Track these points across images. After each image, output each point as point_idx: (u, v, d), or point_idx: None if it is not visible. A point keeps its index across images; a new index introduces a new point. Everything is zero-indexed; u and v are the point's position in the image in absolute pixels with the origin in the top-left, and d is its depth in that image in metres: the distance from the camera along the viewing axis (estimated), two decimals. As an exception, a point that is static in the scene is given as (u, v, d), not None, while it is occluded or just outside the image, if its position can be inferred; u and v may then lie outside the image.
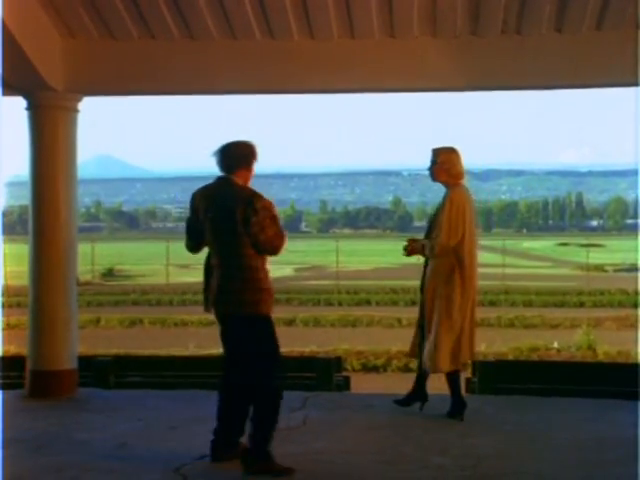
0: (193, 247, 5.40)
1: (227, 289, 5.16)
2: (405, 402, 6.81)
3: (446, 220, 6.45)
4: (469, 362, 7.05)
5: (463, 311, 6.53)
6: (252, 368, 5.22)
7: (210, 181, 5.35)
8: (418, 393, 6.80)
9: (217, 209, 5.14)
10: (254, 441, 5.17)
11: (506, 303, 30.09)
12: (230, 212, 5.06)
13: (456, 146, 6.79)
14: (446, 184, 6.65)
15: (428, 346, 6.53)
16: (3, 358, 8.85)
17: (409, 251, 6.76)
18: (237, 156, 5.23)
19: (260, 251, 5.12)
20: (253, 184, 5.31)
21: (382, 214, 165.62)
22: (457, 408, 6.61)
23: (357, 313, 28.81)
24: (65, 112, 7.70)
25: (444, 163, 6.60)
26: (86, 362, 8.44)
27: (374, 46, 7.30)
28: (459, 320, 6.49)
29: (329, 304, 31.83)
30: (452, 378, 6.65)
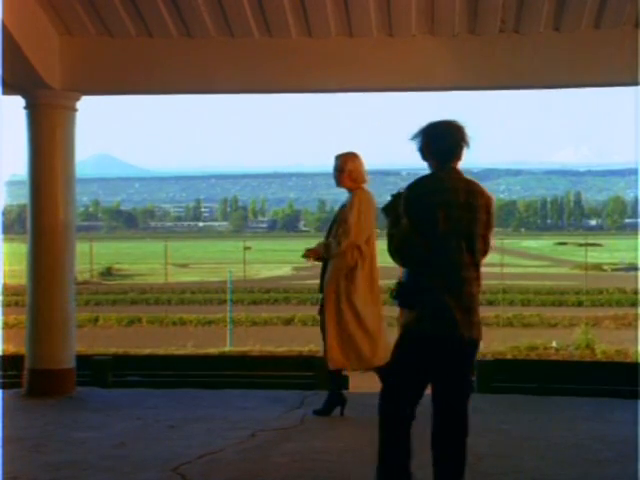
0: (418, 256, 4.11)
1: (472, 307, 4.12)
2: (326, 410, 6.67)
3: (355, 218, 6.51)
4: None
5: (374, 310, 6.59)
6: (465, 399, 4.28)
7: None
8: (336, 396, 6.72)
9: (463, 209, 4.11)
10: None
11: (504, 302, 30.06)
12: (476, 212, 4.14)
13: (357, 151, 6.83)
14: (350, 189, 6.71)
15: (330, 340, 6.54)
16: (2, 357, 8.86)
17: (310, 254, 6.76)
18: (466, 141, 4.24)
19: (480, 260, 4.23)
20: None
21: (380, 213, 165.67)
22: (333, 403, 6.64)
23: (355, 312, 28.78)
24: (63, 111, 7.69)
25: (352, 172, 6.68)
26: (84, 361, 8.44)
27: (372, 45, 7.30)
28: (369, 319, 6.52)
29: (328, 303, 31.70)
30: (331, 374, 6.67)
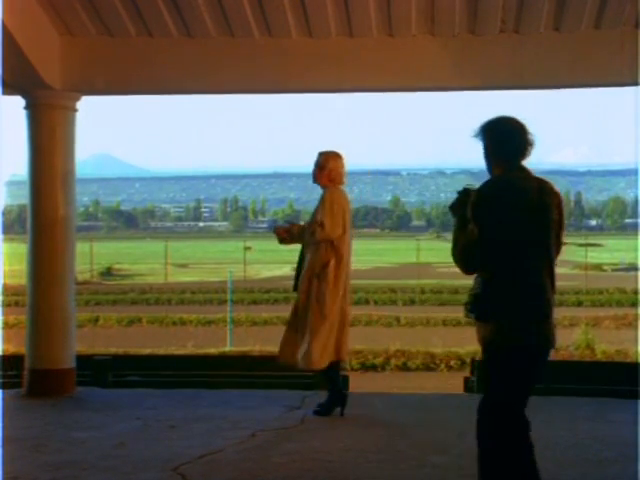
0: (490, 263, 3.84)
1: (549, 314, 3.88)
2: (327, 410, 6.69)
3: (328, 214, 6.53)
4: (346, 360, 6.97)
5: (339, 307, 6.62)
6: None
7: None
8: (336, 395, 6.73)
9: (537, 209, 3.84)
10: None
11: (504, 302, 30.02)
12: (550, 212, 3.89)
13: (340, 150, 6.84)
14: (326, 187, 6.72)
15: (304, 342, 6.55)
16: (2, 357, 8.85)
17: (281, 231, 6.74)
18: (531, 139, 3.99)
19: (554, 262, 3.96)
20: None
21: (381, 213, 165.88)
22: (334, 402, 6.65)
23: (355, 312, 28.83)
24: (63, 111, 7.69)
25: (332, 170, 6.71)
26: (85, 361, 8.44)
27: (372, 45, 7.29)
28: (334, 315, 6.57)
29: (328, 303, 31.73)
30: (330, 374, 6.68)
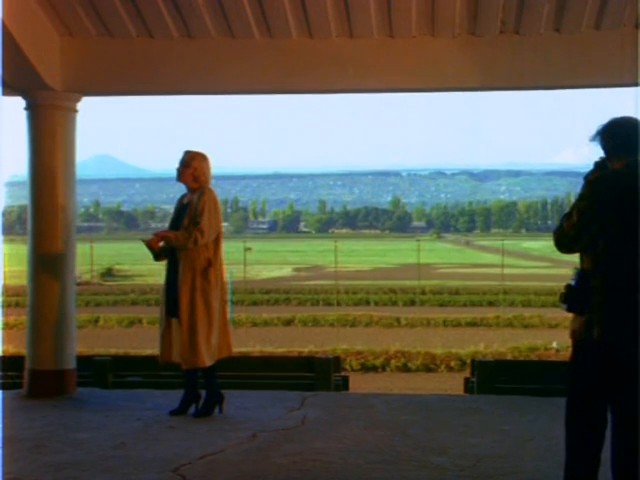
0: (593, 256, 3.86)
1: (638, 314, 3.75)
2: (182, 409, 6.75)
3: (207, 220, 6.55)
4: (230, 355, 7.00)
5: (221, 305, 6.69)
6: None
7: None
8: (191, 395, 6.78)
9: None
10: None
11: (505, 303, 30.12)
12: None
13: (206, 152, 6.87)
14: (191, 188, 6.75)
15: (186, 341, 6.57)
16: (2, 358, 8.86)
17: (157, 243, 6.65)
18: None
19: None
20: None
21: (381, 214, 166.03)
22: (214, 402, 6.71)
23: (356, 313, 28.90)
24: (64, 112, 7.69)
25: (196, 169, 6.74)
26: (85, 362, 8.44)
27: (373, 46, 7.30)
28: (217, 314, 6.64)
29: (328, 304, 31.89)
30: (210, 373, 6.71)
